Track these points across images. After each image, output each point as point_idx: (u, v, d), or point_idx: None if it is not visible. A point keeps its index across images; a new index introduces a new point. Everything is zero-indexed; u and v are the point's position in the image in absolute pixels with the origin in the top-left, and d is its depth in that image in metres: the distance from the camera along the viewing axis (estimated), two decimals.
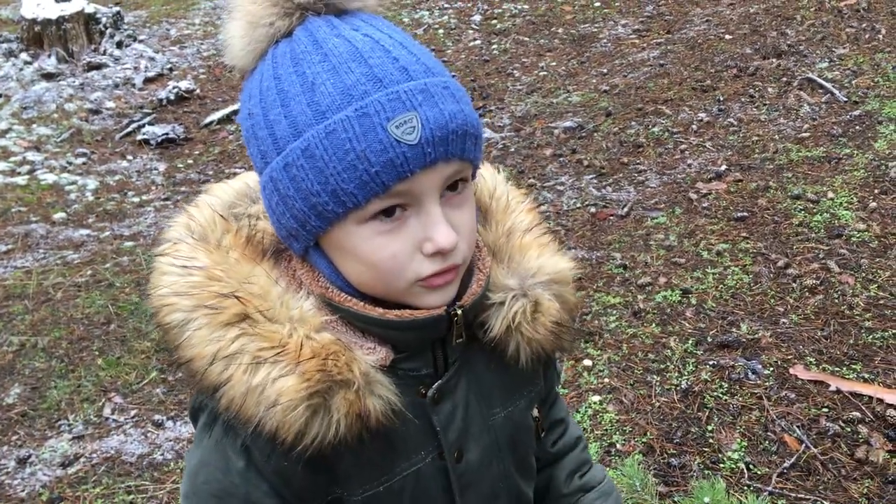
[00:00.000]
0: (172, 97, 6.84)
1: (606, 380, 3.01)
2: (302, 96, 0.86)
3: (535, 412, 1.15)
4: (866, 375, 2.83)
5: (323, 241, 0.93)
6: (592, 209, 4.26)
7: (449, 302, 0.95)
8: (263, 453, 0.92)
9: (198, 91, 7.06)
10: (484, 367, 1.06)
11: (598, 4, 7.53)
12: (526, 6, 7.92)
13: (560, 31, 7.17)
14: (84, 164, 5.90)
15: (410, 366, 0.98)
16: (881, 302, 3.14)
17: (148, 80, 7.26)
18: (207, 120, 6.48)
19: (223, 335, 0.89)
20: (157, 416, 3.19)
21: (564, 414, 1.31)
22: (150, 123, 6.41)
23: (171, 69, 7.54)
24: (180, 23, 8.78)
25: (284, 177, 0.87)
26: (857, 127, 4.46)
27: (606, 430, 2.79)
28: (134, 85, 7.17)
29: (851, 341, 2.99)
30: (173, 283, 0.92)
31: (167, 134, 6.17)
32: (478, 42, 7.31)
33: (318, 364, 0.88)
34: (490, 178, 1.12)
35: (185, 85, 6.98)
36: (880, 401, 2.71)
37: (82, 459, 3.01)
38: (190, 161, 5.92)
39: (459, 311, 0.97)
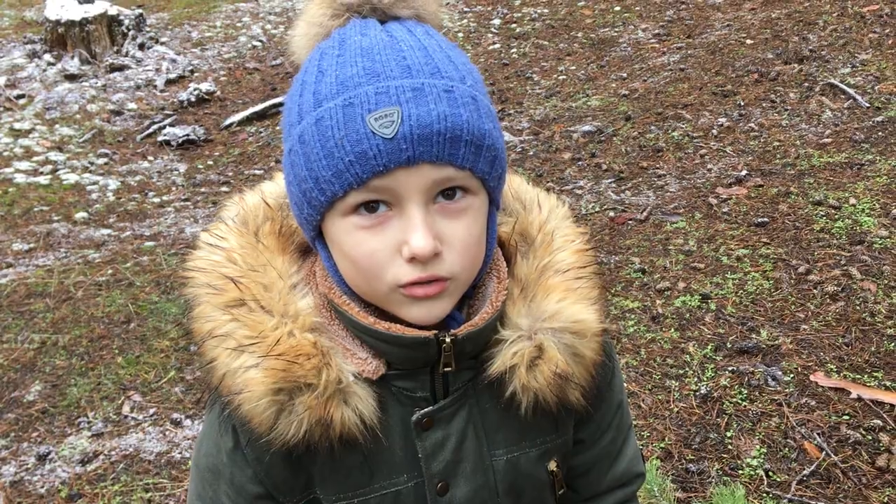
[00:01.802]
0: (193, 99, 6.89)
1: (624, 384, 2.99)
2: (312, 85, 0.89)
3: (553, 466, 1.07)
4: (888, 383, 2.80)
5: (324, 232, 0.94)
6: (611, 213, 4.25)
7: (434, 321, 0.92)
8: (245, 437, 0.96)
9: (218, 93, 7.11)
10: (492, 403, 1.01)
11: (618, 9, 7.51)
12: (546, 10, 7.91)
13: (580, 35, 7.16)
14: (106, 164, 5.96)
15: (405, 385, 0.97)
16: None
17: (169, 82, 7.32)
18: (227, 122, 6.52)
19: (218, 316, 0.93)
20: (175, 415, 3.21)
21: (613, 448, 1.18)
22: (170, 125, 6.47)
23: (192, 71, 7.60)
24: (202, 25, 8.85)
25: (288, 162, 0.91)
26: (880, 133, 4.42)
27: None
28: (155, 86, 7.23)
29: (873, 348, 2.96)
30: (200, 257, 0.98)
31: (188, 135, 6.21)
32: (497, 46, 7.32)
33: (284, 363, 0.90)
34: (547, 210, 1.06)
35: (205, 87, 7.03)
36: None
37: (101, 457, 3.03)
38: (210, 162, 5.96)
39: (448, 339, 0.92)
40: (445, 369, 0.95)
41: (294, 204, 0.92)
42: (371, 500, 0.99)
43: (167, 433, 3.13)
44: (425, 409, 0.98)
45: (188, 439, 3.09)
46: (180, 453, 3.02)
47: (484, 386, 1.00)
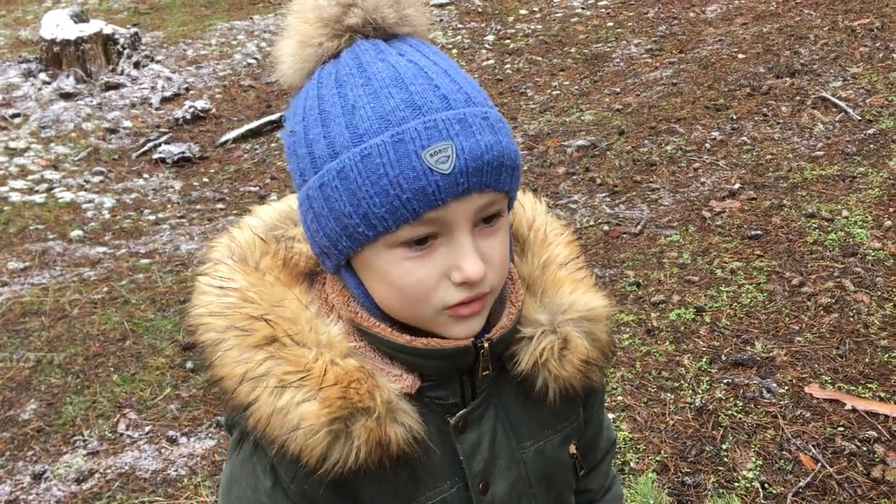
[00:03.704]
0: (188, 116, 6.92)
1: (620, 398, 3.00)
2: (342, 118, 0.86)
3: (573, 449, 1.12)
4: (882, 394, 2.81)
5: (354, 260, 0.93)
6: (605, 227, 4.27)
7: (475, 333, 0.95)
8: (288, 474, 0.93)
9: (213, 110, 7.13)
10: (514, 399, 1.05)
11: (610, 24, 7.57)
12: (539, 26, 7.97)
13: (573, 50, 7.21)
14: (101, 182, 5.97)
15: (437, 394, 0.98)
16: None
17: (164, 100, 7.35)
18: (223, 139, 6.55)
19: (252, 357, 0.90)
20: (171, 433, 3.20)
21: (602, 455, 1.28)
22: (166, 142, 6.48)
23: (187, 89, 7.63)
24: (197, 43, 8.89)
25: (319, 196, 0.88)
26: (872, 145, 4.45)
27: (620, 448, 2.77)
28: (151, 104, 7.25)
29: (867, 360, 2.97)
30: (209, 302, 0.95)
31: (183, 153, 6.23)
32: (491, 62, 7.36)
33: (340, 391, 0.89)
34: (530, 208, 1.11)
35: (200, 104, 7.06)
36: None
37: (97, 475, 3.02)
38: (205, 179, 5.97)
39: (486, 345, 0.96)
40: (484, 373, 0.98)
41: (324, 236, 0.90)
42: None
43: (163, 451, 3.13)
44: (461, 412, 1.00)
45: (184, 457, 3.08)
46: (176, 471, 3.01)
47: (505, 383, 1.04)
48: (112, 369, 3.64)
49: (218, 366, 0.92)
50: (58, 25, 7.64)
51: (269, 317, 0.92)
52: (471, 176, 0.84)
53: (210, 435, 3.18)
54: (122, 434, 3.23)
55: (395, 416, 0.91)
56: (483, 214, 0.89)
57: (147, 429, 3.25)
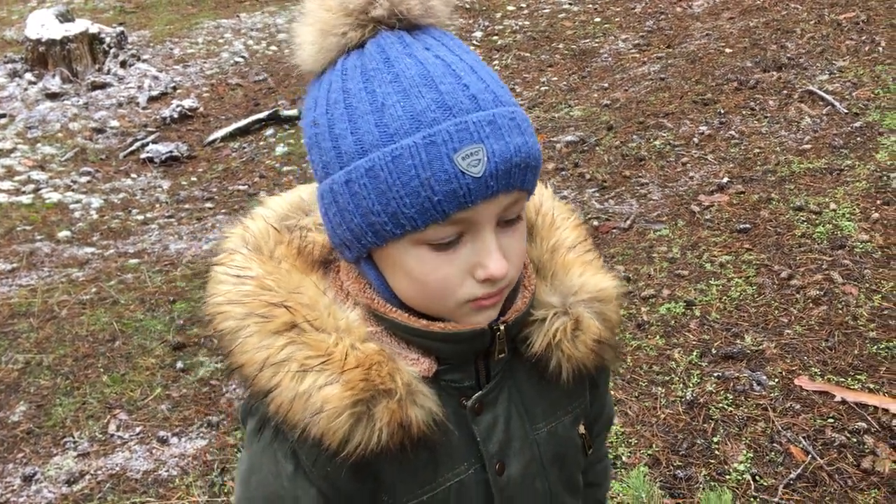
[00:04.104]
0: (176, 115, 6.89)
1: (611, 392, 3.01)
2: (370, 115, 0.86)
3: (582, 429, 1.15)
4: (871, 386, 2.83)
5: (376, 254, 0.94)
6: (595, 222, 4.28)
7: (493, 320, 0.97)
8: (310, 458, 0.94)
9: (201, 109, 7.10)
10: (526, 381, 1.07)
11: (598, 20, 7.57)
12: (527, 22, 7.97)
13: (561, 46, 7.21)
14: (88, 182, 5.94)
15: (453, 377, 1.00)
16: (885, 312, 3.14)
17: (152, 99, 7.31)
18: (211, 138, 6.52)
19: (272, 343, 0.92)
20: (161, 433, 3.19)
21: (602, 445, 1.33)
22: (153, 142, 6.45)
23: (174, 88, 7.59)
24: (184, 42, 8.85)
25: (345, 191, 0.89)
26: (859, 138, 4.47)
27: (612, 442, 2.78)
28: (138, 104, 7.22)
29: (856, 352, 2.99)
30: (227, 291, 0.96)
31: (171, 152, 6.20)
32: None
33: (362, 373, 0.90)
34: (537, 193, 1.12)
35: (188, 103, 7.03)
36: (886, 411, 2.71)
37: (87, 476, 3.01)
38: (194, 179, 5.95)
39: (502, 328, 0.98)
40: (500, 356, 1.01)
41: (347, 230, 0.91)
42: (439, 494, 1.01)
43: (154, 451, 3.11)
44: (477, 395, 1.01)
45: (175, 457, 3.07)
46: (167, 471, 3.00)
47: (518, 366, 1.05)
48: (102, 370, 3.62)
49: (238, 353, 0.93)
50: (43, 25, 7.58)
51: (288, 303, 0.93)
52: (500, 178, 0.86)
53: (201, 435, 3.17)
54: (112, 435, 3.22)
55: (414, 399, 0.93)
56: (507, 214, 0.91)
57: (138, 429, 3.24)
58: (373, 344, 0.93)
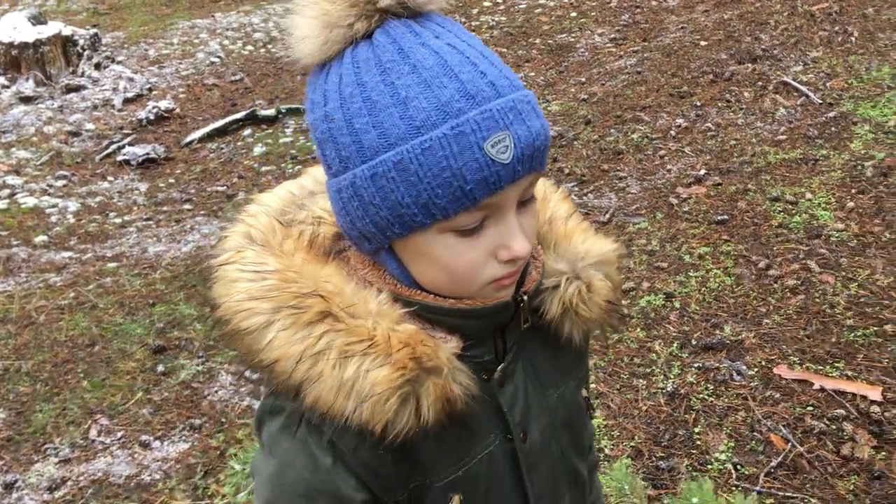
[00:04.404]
0: (152, 117, 6.83)
1: (593, 385, 3.02)
2: (393, 108, 0.87)
3: (584, 392, 1.20)
4: (849, 373, 2.86)
5: (398, 244, 0.95)
6: None
7: (511, 295, 1.00)
8: (349, 447, 0.94)
9: (178, 110, 7.05)
10: (537, 350, 1.10)
11: (574, 14, 7.59)
12: (503, 18, 7.97)
13: (537, 41, 7.23)
14: (64, 186, 5.88)
15: (475, 353, 1.01)
16: (862, 300, 3.18)
17: (127, 101, 7.25)
18: (188, 139, 6.47)
19: (309, 333, 0.90)
20: (143, 437, 3.17)
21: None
22: (130, 144, 6.40)
23: (150, 89, 7.53)
24: (158, 43, 8.78)
25: (371, 185, 0.89)
26: (833, 128, 4.52)
27: (595, 435, 2.79)
28: (113, 106, 7.15)
29: (834, 340, 3.02)
30: (247, 288, 0.94)
31: (148, 154, 6.15)
32: None
33: (410, 352, 0.90)
34: None
35: (164, 104, 6.97)
36: (864, 398, 2.74)
37: (69, 483, 2.99)
38: (171, 180, 5.90)
39: (525, 298, 1.01)
40: (525, 325, 1.04)
41: (370, 223, 0.91)
42: (472, 467, 1.02)
43: (136, 456, 3.09)
44: (501, 366, 1.04)
45: (157, 461, 3.05)
46: (150, 475, 2.98)
47: (530, 335, 1.08)
48: (81, 375, 3.59)
49: (270, 349, 0.91)
50: (15, 28, 7.49)
51: (319, 292, 0.92)
52: (525, 162, 0.88)
53: (183, 438, 3.15)
54: (93, 440, 3.19)
55: (454, 375, 0.94)
56: (525, 195, 0.94)
57: (119, 434, 3.22)
58: (409, 324, 0.94)
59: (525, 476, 1.08)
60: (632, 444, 2.74)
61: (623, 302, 1.15)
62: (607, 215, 4.21)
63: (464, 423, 0.98)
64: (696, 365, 3.02)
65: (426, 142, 0.85)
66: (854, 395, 2.77)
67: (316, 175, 1.11)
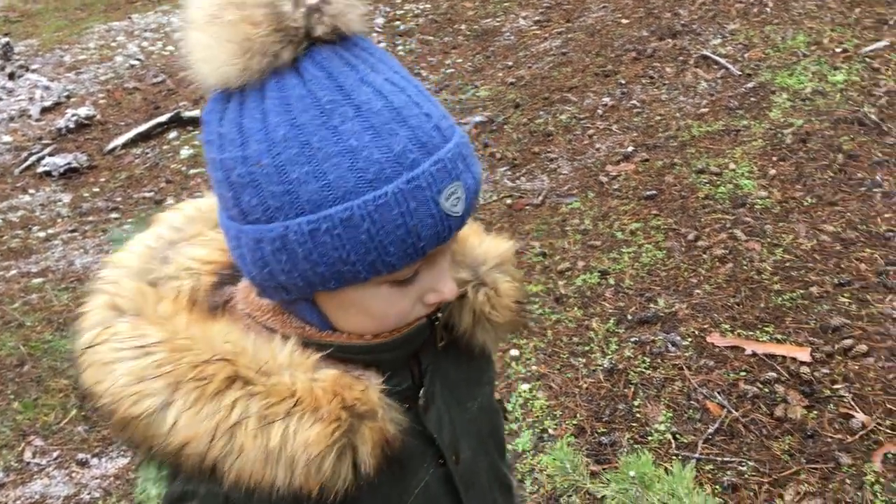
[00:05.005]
0: (72, 125, 6.62)
1: (534, 367, 3.05)
2: (340, 158, 0.77)
3: (497, 395, 1.20)
4: (779, 336, 2.94)
5: (322, 296, 0.87)
6: (508, 200, 4.31)
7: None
8: None
9: (98, 117, 6.85)
10: (450, 366, 1.07)
11: None
12: (428, 5, 7.94)
13: (463, 27, 7.22)
14: None
15: (393, 383, 0.95)
16: (787, 265, 3.26)
17: (45, 110, 7.01)
18: (111, 146, 6.29)
19: (219, 404, 0.80)
20: (80, 455, 3.08)
21: None
22: (50, 154, 6.19)
23: (68, 96, 7.29)
24: (74, 48, 8.50)
25: (308, 241, 0.79)
26: (752, 98, 4.62)
27: (538, 416, 2.82)
28: (30, 116, 6.91)
29: (762, 305, 3.10)
30: (130, 368, 0.82)
31: (69, 164, 5.96)
32: (383, 45, 7.30)
33: (339, 402, 0.83)
34: None
35: (84, 112, 6.76)
36: (794, 359, 2.82)
37: None
38: (96, 189, 5.74)
39: (440, 315, 1.00)
40: (441, 343, 1.02)
41: (298, 277, 0.82)
42: (411, 502, 1.00)
43: (73, 475, 3.01)
44: (422, 392, 1.00)
45: (96, 478, 2.97)
46: (89, 494, 2.90)
47: (439, 354, 1.04)
48: (12, 397, 3.47)
49: (174, 432, 0.79)
50: None
51: (220, 356, 0.82)
52: (470, 210, 0.85)
53: (122, 453, 3.07)
54: (28, 462, 3.10)
55: (388, 414, 0.89)
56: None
57: (55, 454, 3.12)
58: (328, 370, 0.86)
59: (463, 497, 1.05)
60: (574, 422, 2.77)
61: (528, 297, 1.14)
62: (540, 197, 4.23)
63: (399, 461, 0.91)
64: (632, 339, 3.07)
65: (380, 197, 0.77)
66: (784, 357, 2.84)
67: (171, 220, 1.01)
